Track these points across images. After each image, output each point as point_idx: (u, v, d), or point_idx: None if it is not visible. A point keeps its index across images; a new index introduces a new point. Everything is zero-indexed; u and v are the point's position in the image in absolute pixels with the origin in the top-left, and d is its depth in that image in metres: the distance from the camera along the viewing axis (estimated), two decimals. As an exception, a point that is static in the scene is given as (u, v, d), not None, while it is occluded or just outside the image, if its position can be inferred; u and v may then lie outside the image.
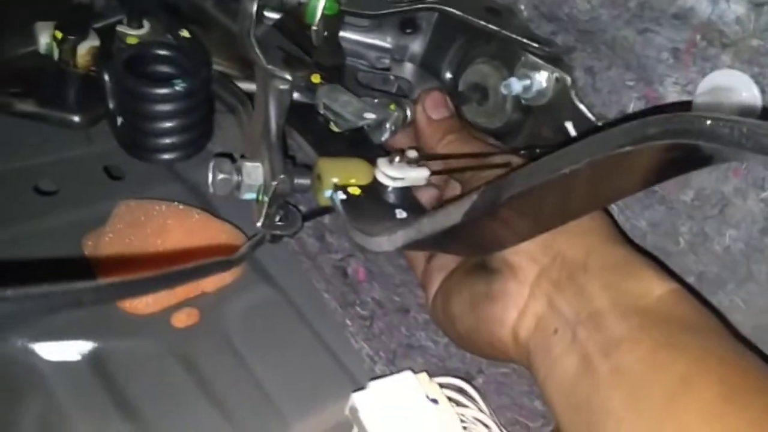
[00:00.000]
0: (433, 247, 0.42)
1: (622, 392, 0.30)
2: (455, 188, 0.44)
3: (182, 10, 0.52)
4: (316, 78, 0.47)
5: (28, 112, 0.48)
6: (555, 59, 0.46)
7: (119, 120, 0.46)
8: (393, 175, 0.40)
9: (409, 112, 0.46)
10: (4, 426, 0.38)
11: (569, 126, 0.46)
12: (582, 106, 0.45)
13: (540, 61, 0.46)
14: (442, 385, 0.40)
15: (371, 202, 0.41)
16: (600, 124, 0.44)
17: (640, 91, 0.42)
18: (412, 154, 0.41)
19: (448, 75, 0.54)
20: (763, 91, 0.36)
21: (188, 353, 0.43)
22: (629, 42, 0.42)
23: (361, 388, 0.39)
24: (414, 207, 0.41)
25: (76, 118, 0.48)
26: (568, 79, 0.45)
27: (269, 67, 0.43)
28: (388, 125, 0.45)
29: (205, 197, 0.52)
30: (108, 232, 0.47)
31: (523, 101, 0.48)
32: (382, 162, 0.41)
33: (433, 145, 0.44)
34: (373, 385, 0.38)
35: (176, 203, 0.49)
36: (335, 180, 0.41)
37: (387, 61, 0.57)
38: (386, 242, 0.38)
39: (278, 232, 0.43)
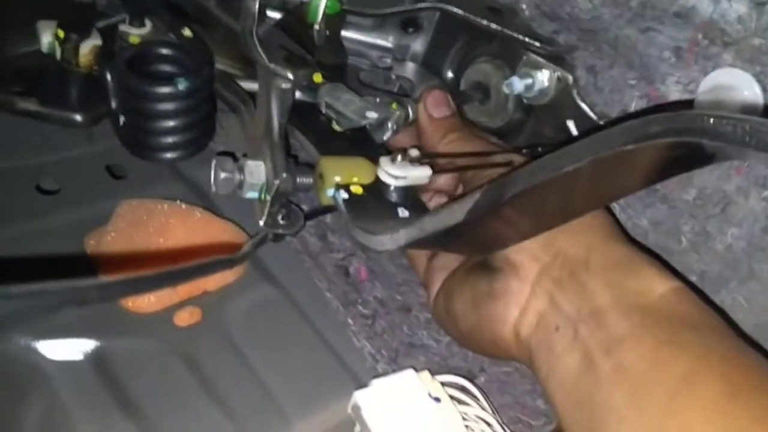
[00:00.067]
0: (435, 246, 0.42)
1: (624, 390, 0.30)
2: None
3: (184, 9, 0.52)
4: (318, 77, 0.47)
5: (31, 111, 0.48)
6: (557, 58, 0.46)
7: (121, 119, 0.46)
8: (395, 173, 0.40)
9: (411, 112, 0.46)
10: (7, 424, 0.38)
11: (571, 125, 0.46)
12: (584, 105, 0.45)
13: (542, 60, 0.46)
14: (444, 384, 0.40)
15: (373, 201, 0.41)
16: (602, 123, 0.44)
17: (642, 90, 0.42)
18: (415, 152, 0.41)
19: (450, 74, 0.55)
20: (764, 90, 0.36)
21: (191, 352, 0.43)
22: (631, 41, 0.42)
23: (364, 386, 0.39)
24: (416, 206, 0.41)
25: (78, 117, 0.48)
26: (570, 78, 0.45)
27: (271, 65, 0.43)
28: (390, 124, 0.45)
29: (207, 196, 0.52)
30: (110, 231, 0.47)
31: (524, 100, 0.48)
32: (384, 161, 0.41)
33: (435, 143, 0.44)
34: (376, 384, 0.39)
35: (178, 202, 0.49)
36: (337, 179, 0.41)
37: (389, 61, 0.57)
38: (389, 241, 0.38)
39: (280, 231, 0.43)
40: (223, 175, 0.42)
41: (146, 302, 0.44)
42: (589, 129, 0.45)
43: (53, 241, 0.47)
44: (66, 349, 0.41)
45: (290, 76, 0.43)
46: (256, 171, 0.42)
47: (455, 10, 0.49)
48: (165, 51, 0.47)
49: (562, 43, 0.46)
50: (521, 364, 0.41)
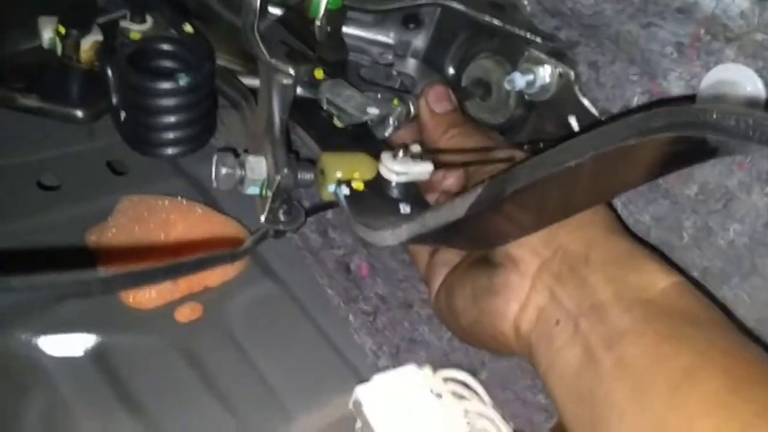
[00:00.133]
0: (436, 241, 0.42)
1: (625, 384, 0.30)
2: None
3: (185, 5, 0.52)
4: (319, 73, 0.47)
5: (31, 106, 0.48)
6: (558, 54, 0.46)
7: (122, 115, 0.46)
8: (397, 169, 0.40)
9: (412, 108, 0.46)
10: (8, 420, 0.38)
11: (573, 121, 0.46)
12: (586, 101, 0.45)
13: (543, 56, 0.46)
14: (445, 379, 0.40)
15: (375, 197, 0.40)
16: (603, 119, 0.44)
17: (644, 86, 0.42)
18: (416, 148, 0.41)
19: (451, 70, 0.54)
20: (767, 85, 0.36)
21: (192, 348, 0.43)
22: (633, 36, 0.42)
23: (365, 382, 0.39)
24: (418, 201, 0.41)
25: (79, 113, 0.48)
26: (572, 74, 0.45)
27: (273, 61, 0.43)
28: (391, 120, 0.45)
29: (208, 192, 0.52)
30: (111, 227, 0.47)
31: (526, 96, 0.48)
32: (385, 156, 0.41)
33: (437, 138, 0.44)
34: (377, 379, 0.38)
35: (179, 198, 0.49)
36: (339, 175, 0.41)
37: (390, 57, 0.56)
38: (390, 236, 0.37)
39: (281, 227, 0.43)
40: (224, 170, 0.41)
41: (147, 298, 0.44)
42: (590, 124, 0.44)
43: (54, 237, 0.47)
44: (67, 345, 0.41)
45: (291, 71, 0.43)
46: (258, 167, 0.42)
47: (456, 5, 0.49)
48: (166, 47, 0.47)
49: (563, 39, 0.46)
50: (522, 360, 0.41)
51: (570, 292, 0.34)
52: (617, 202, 0.43)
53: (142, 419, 0.39)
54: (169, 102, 0.44)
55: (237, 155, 0.43)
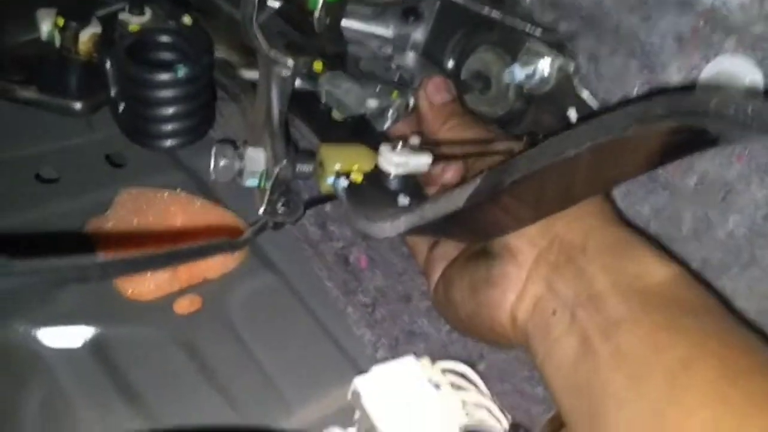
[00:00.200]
0: (435, 233, 0.42)
1: (623, 373, 0.30)
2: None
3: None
4: (318, 66, 0.47)
5: (30, 99, 0.48)
6: (558, 46, 0.46)
7: (121, 106, 0.46)
8: (395, 161, 0.40)
9: (411, 100, 0.46)
10: (8, 410, 0.38)
11: (572, 113, 0.46)
12: (585, 94, 0.45)
13: (543, 49, 0.46)
14: (444, 370, 0.40)
15: (374, 189, 0.40)
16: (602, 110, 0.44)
17: (644, 78, 0.42)
18: (415, 140, 0.41)
19: (451, 63, 0.54)
20: (766, 76, 0.36)
21: (191, 339, 0.43)
22: (633, 28, 0.42)
23: (364, 373, 0.39)
24: (416, 193, 0.41)
25: (78, 105, 0.48)
26: (572, 66, 0.45)
27: (272, 53, 0.43)
28: (390, 113, 0.45)
29: (207, 185, 0.52)
30: (110, 220, 0.47)
31: (525, 89, 0.48)
32: (384, 148, 0.41)
33: (436, 129, 0.44)
34: (376, 370, 0.38)
35: (178, 191, 0.49)
36: (337, 166, 0.41)
37: (389, 50, 0.56)
38: (389, 228, 0.37)
39: (280, 219, 0.43)
40: (222, 162, 0.41)
41: (146, 290, 0.44)
42: (589, 115, 0.44)
43: (53, 230, 0.46)
44: (66, 337, 0.41)
45: (290, 63, 0.43)
46: (256, 158, 0.42)
47: (456, -2, 0.49)
48: (164, 38, 0.47)
49: (563, 31, 0.46)
50: (521, 352, 0.41)
51: (567, 282, 0.34)
52: (616, 194, 0.44)
53: (141, 411, 0.39)
54: (167, 93, 0.44)
55: (236, 147, 0.43)
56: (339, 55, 0.50)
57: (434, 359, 0.41)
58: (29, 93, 0.48)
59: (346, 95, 0.45)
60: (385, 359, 0.43)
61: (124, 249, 0.43)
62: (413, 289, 0.49)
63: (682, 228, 0.41)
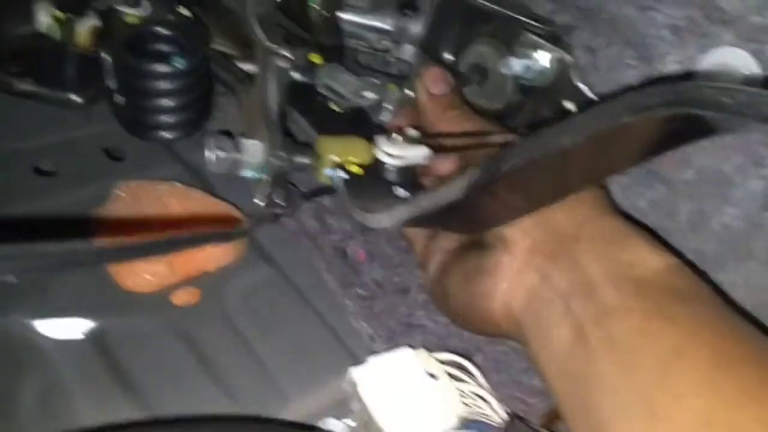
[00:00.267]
0: (432, 224, 0.42)
1: (614, 362, 0.30)
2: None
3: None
4: (316, 58, 0.47)
5: (28, 91, 0.48)
6: (555, 38, 0.46)
7: (119, 99, 0.46)
8: (392, 153, 0.40)
9: (409, 93, 0.46)
10: (6, 401, 0.38)
11: (569, 106, 0.46)
12: (582, 86, 0.45)
13: (540, 41, 0.46)
14: (441, 362, 0.40)
15: (371, 181, 0.41)
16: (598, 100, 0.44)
17: (641, 70, 0.42)
18: (412, 132, 0.41)
19: (449, 56, 0.54)
20: (763, 67, 0.36)
21: (189, 331, 0.43)
22: (629, 20, 0.41)
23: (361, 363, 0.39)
24: (414, 185, 0.41)
25: (76, 98, 0.48)
26: (568, 58, 0.45)
27: (269, 45, 0.43)
28: (388, 105, 0.45)
29: (205, 178, 0.52)
30: (108, 212, 0.47)
31: (523, 81, 0.48)
32: (381, 140, 0.41)
33: (435, 120, 0.44)
34: (372, 361, 0.39)
35: (176, 184, 0.49)
36: (335, 158, 0.41)
37: (387, 43, 0.56)
38: (386, 218, 0.38)
39: (278, 211, 0.43)
40: (220, 153, 0.42)
41: (144, 281, 0.44)
42: (585, 106, 0.44)
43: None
44: (64, 328, 0.42)
45: (288, 55, 0.43)
46: (253, 149, 0.42)
47: (454, -10, 0.49)
48: (162, 31, 0.47)
49: (559, 23, 0.46)
50: (517, 344, 0.41)
51: (561, 272, 0.33)
52: (613, 188, 0.44)
53: (139, 402, 0.39)
54: (164, 85, 0.44)
55: (233, 138, 0.43)
56: (337, 48, 0.50)
57: (431, 351, 0.41)
58: (27, 85, 0.49)
59: (343, 87, 0.45)
60: (382, 351, 0.43)
61: (123, 235, 0.43)
62: (411, 281, 0.49)
63: (678, 221, 0.41)
